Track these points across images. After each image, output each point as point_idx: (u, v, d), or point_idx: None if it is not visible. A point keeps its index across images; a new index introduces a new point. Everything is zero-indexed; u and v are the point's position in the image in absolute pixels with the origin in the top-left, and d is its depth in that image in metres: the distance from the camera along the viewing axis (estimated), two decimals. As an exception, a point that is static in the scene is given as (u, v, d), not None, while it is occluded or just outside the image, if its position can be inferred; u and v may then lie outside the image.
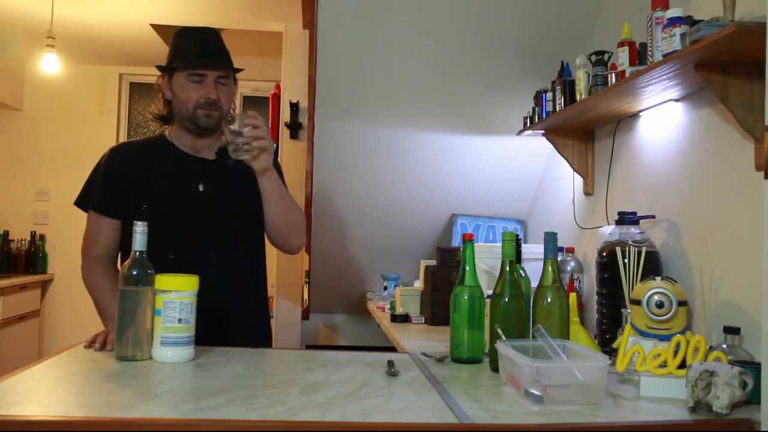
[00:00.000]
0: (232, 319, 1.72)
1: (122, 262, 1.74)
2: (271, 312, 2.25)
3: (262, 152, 1.59)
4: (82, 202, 1.77)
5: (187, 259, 1.66)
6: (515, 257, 1.49)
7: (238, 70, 1.79)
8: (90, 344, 1.52)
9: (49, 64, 3.80)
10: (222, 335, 1.67)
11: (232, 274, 1.73)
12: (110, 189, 1.74)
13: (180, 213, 1.71)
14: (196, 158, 1.77)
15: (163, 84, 1.77)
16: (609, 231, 1.83)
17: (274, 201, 1.68)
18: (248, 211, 1.76)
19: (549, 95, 2.21)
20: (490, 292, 1.48)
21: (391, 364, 1.40)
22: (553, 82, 2.19)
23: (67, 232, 4.66)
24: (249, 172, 1.72)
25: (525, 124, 2.44)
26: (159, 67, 1.77)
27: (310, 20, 2.51)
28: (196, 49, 1.72)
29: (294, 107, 3.41)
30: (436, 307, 2.31)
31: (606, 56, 1.90)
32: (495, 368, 1.40)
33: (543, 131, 2.38)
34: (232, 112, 1.74)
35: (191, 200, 1.72)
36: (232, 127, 1.56)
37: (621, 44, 1.74)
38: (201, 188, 1.73)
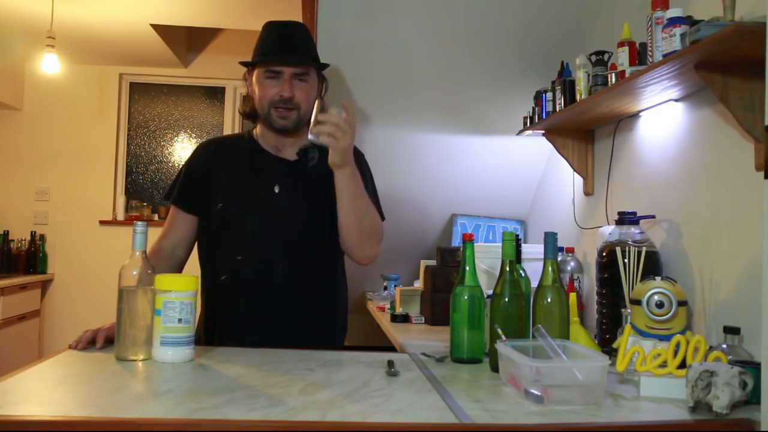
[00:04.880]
0: (295, 331, 1.62)
1: (201, 261, 1.74)
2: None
3: (334, 145, 1.51)
4: (167, 193, 1.78)
5: (254, 262, 1.64)
6: (515, 257, 1.49)
7: (324, 66, 1.72)
8: (76, 344, 1.46)
9: (49, 64, 3.80)
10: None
11: (300, 281, 1.66)
12: (189, 184, 1.74)
13: (252, 214, 1.67)
14: (276, 158, 1.72)
15: (248, 80, 1.74)
16: (609, 231, 1.83)
17: (345, 201, 1.60)
18: (323, 217, 1.68)
19: (549, 95, 2.21)
20: (490, 292, 1.48)
21: (391, 364, 1.40)
22: (553, 82, 2.19)
23: (67, 232, 4.68)
24: (330, 175, 1.64)
25: (525, 124, 2.44)
26: (242, 63, 1.74)
27: (310, 20, 2.51)
28: (273, 45, 1.68)
29: (294, 107, 3.41)
30: (436, 307, 2.31)
31: (606, 56, 1.90)
32: (495, 368, 1.40)
33: (543, 131, 2.38)
34: (322, 101, 1.62)
35: (264, 202, 1.67)
36: (316, 111, 1.54)
37: (621, 44, 1.74)
38: (276, 189, 1.68)
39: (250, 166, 1.72)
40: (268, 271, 1.64)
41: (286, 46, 1.67)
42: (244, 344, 1.57)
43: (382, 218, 1.79)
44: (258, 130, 1.78)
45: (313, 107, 1.64)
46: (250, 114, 1.76)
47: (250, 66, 1.73)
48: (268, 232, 1.67)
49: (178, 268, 1.75)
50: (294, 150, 1.70)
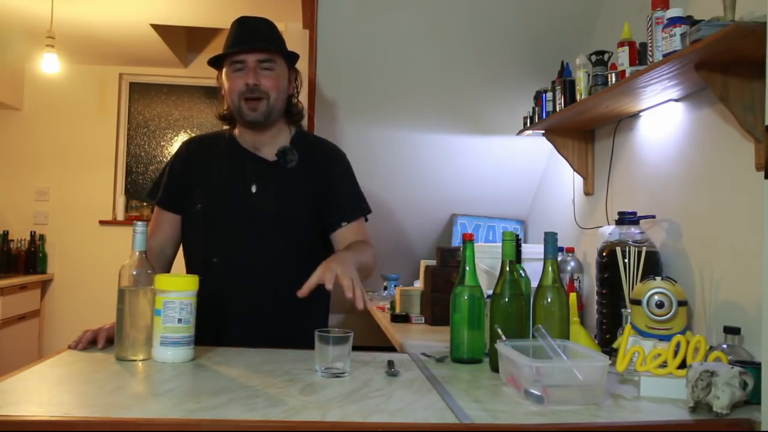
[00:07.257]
0: (276, 333, 1.60)
1: (186, 261, 1.73)
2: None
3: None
4: (150, 193, 1.78)
5: (229, 264, 1.63)
6: (515, 257, 1.49)
7: (292, 55, 1.69)
8: (76, 344, 1.46)
9: (49, 64, 3.80)
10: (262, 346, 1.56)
11: (276, 283, 1.62)
12: (172, 183, 1.73)
13: (229, 215, 1.66)
14: (254, 157, 1.70)
15: (219, 81, 1.72)
16: (609, 231, 1.83)
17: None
18: (301, 218, 1.67)
19: (549, 95, 2.21)
20: (490, 292, 1.48)
21: (391, 364, 1.40)
22: (553, 82, 2.19)
23: (67, 232, 4.68)
24: (308, 177, 1.65)
25: (525, 124, 2.44)
26: (209, 62, 1.72)
27: (310, 20, 2.51)
28: (235, 36, 1.65)
29: (294, 107, 3.40)
30: (436, 307, 2.31)
31: (606, 56, 1.90)
32: (495, 368, 1.40)
33: (543, 131, 2.38)
34: None
35: (241, 202, 1.66)
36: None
37: (621, 44, 1.74)
38: (254, 189, 1.66)
39: (228, 165, 1.71)
40: (243, 272, 1.62)
41: (246, 36, 1.64)
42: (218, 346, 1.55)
43: (369, 212, 1.77)
44: (237, 129, 1.76)
45: (283, 96, 1.64)
46: (226, 116, 1.75)
47: (216, 65, 1.70)
48: (244, 234, 1.65)
49: (167, 267, 1.75)
50: (272, 149, 1.70)
